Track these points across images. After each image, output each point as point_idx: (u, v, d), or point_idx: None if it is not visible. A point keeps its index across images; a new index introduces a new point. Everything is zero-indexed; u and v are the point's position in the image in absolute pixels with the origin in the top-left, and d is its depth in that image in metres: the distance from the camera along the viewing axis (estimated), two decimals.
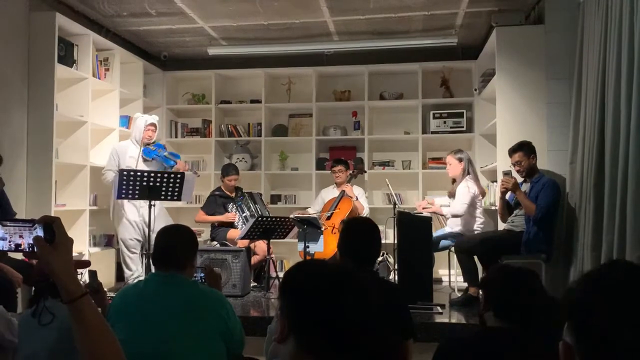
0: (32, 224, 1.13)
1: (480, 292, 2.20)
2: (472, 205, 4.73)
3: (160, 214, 4.98)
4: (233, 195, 5.51)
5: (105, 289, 2.44)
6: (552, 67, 4.65)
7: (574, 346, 0.84)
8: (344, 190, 5.44)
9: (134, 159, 4.95)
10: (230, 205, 5.38)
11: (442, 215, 4.93)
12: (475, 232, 4.73)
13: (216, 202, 5.43)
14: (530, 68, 4.73)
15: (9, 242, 1.17)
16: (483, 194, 4.97)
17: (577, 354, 0.83)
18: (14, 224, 1.17)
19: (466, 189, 4.69)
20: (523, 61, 4.76)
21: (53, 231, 1.09)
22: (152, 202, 4.47)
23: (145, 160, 4.97)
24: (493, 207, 4.92)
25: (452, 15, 5.20)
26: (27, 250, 1.16)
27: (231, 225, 5.35)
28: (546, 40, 4.66)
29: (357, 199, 5.45)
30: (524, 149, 4.22)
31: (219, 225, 5.39)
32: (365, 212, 5.52)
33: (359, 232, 2.38)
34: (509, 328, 1.75)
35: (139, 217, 4.92)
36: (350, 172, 5.64)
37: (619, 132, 3.40)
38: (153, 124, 5.06)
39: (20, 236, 1.16)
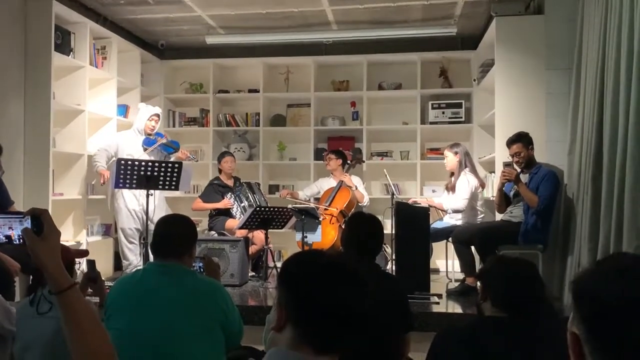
0: (22, 216, 1.14)
1: (478, 282, 2.22)
2: (473, 198, 4.74)
3: (160, 204, 5.00)
4: (231, 184, 5.52)
5: (104, 279, 2.45)
6: (551, 58, 4.63)
7: (581, 336, 0.84)
8: (342, 181, 5.44)
9: (134, 149, 4.99)
10: (228, 195, 5.39)
11: (443, 210, 4.93)
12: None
13: (215, 191, 5.44)
14: (530, 58, 4.72)
15: None
16: (482, 185, 4.98)
17: (586, 344, 0.83)
18: (4, 216, 1.18)
19: (466, 183, 4.70)
20: (522, 51, 4.75)
21: (41, 223, 1.09)
22: (150, 192, 4.47)
23: (145, 150, 5.00)
24: (491, 198, 4.92)
25: (452, 4, 5.18)
26: (16, 241, 1.16)
27: (229, 214, 5.36)
28: (546, 31, 4.64)
29: (356, 189, 5.46)
30: (523, 139, 4.21)
31: (217, 214, 5.40)
32: (365, 200, 5.54)
33: (363, 225, 2.44)
34: (506, 317, 1.76)
35: (139, 207, 4.93)
36: (348, 162, 5.64)
37: (617, 124, 3.40)
38: (157, 114, 5.14)
39: (10, 227, 1.17)
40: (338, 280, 1.10)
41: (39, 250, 1.07)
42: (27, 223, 1.11)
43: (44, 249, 1.08)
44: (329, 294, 1.08)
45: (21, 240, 1.14)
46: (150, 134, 5.08)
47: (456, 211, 4.75)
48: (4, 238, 1.18)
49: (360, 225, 2.45)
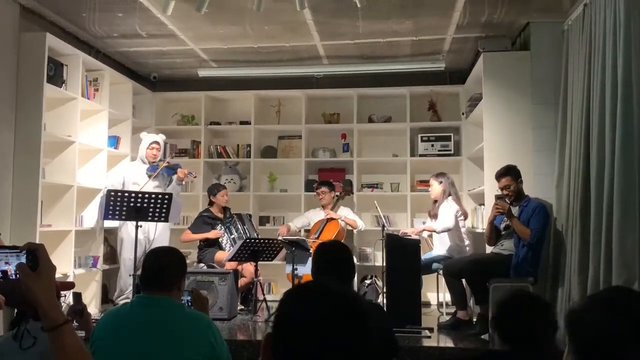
0: (19, 250, 1.12)
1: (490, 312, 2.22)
2: (457, 225, 4.79)
3: (163, 233, 5.14)
4: (222, 216, 5.49)
5: (90, 312, 2.40)
6: (537, 92, 4.72)
7: None
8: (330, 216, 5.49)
9: (140, 176, 5.15)
10: (218, 227, 5.36)
11: (433, 231, 4.95)
12: (463, 254, 4.74)
13: (204, 223, 5.40)
14: (517, 93, 4.81)
15: None
16: (465, 214, 5.01)
17: None
18: (0, 251, 1.15)
19: (448, 207, 4.82)
20: (509, 86, 4.84)
21: (37, 258, 1.08)
22: (139, 223, 4.47)
23: (150, 176, 5.13)
24: (481, 229, 4.94)
25: (440, 40, 5.29)
26: (12, 277, 1.14)
27: (219, 246, 5.32)
28: (532, 66, 4.75)
29: (344, 218, 5.48)
30: (511, 173, 4.25)
31: (206, 246, 5.35)
32: (360, 225, 5.57)
33: (328, 255, 2.39)
34: (513, 352, 1.75)
35: (142, 236, 4.97)
36: (337, 194, 5.66)
37: (604, 157, 3.45)
38: (156, 142, 5.30)
39: (6, 262, 1.14)
40: (341, 318, 1.03)
41: (33, 285, 1.05)
42: (24, 258, 1.09)
43: (39, 284, 1.06)
44: (326, 331, 1.02)
45: (17, 276, 1.11)
46: (153, 162, 5.24)
47: (445, 229, 4.78)
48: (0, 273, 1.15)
49: (323, 254, 2.40)
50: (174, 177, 5.26)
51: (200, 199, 6.24)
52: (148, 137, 5.32)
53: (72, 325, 1.08)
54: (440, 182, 4.95)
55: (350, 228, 5.63)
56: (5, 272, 1.15)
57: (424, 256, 4.82)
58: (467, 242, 4.92)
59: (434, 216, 4.95)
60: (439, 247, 4.91)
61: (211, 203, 5.54)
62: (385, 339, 2.22)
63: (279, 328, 1.00)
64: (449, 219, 4.75)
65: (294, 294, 1.05)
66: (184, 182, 5.41)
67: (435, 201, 5.00)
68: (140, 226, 4.55)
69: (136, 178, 5.13)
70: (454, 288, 4.37)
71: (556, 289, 4.21)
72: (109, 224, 5.33)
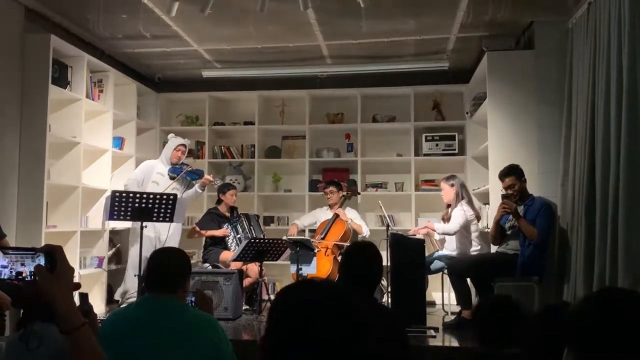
0: (34, 252, 1.12)
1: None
2: (466, 228, 4.72)
3: (174, 233, 5.12)
4: (229, 215, 5.52)
5: (95, 312, 2.41)
6: (542, 91, 4.71)
7: None
8: (337, 214, 5.46)
9: (160, 175, 5.21)
10: (225, 225, 5.38)
11: (433, 230, 4.89)
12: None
13: (212, 220, 5.44)
14: (521, 92, 4.79)
15: (10, 269, 1.16)
16: (478, 218, 4.95)
17: None
18: (16, 252, 1.16)
19: (461, 212, 4.68)
20: (514, 85, 4.83)
21: (55, 260, 1.08)
22: (144, 224, 4.48)
23: (172, 178, 5.19)
24: (486, 230, 4.92)
25: (444, 40, 5.28)
26: (28, 278, 1.14)
27: (224, 246, 5.33)
28: (536, 65, 4.74)
29: (351, 221, 5.46)
30: (515, 172, 4.24)
31: (212, 245, 5.37)
32: (364, 231, 5.53)
33: (360, 257, 2.37)
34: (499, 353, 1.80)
35: (153, 234, 5.02)
36: (344, 193, 5.65)
37: (609, 155, 3.44)
38: (183, 145, 5.39)
39: (22, 264, 1.15)
40: (335, 320, 0.98)
41: (50, 287, 1.05)
42: (40, 260, 1.09)
43: (56, 286, 1.05)
44: (324, 334, 0.98)
45: (33, 277, 1.11)
46: (176, 164, 5.30)
47: (445, 233, 4.72)
48: (15, 274, 1.16)
49: (355, 255, 2.38)
50: (197, 182, 5.32)
51: (205, 199, 6.24)
52: (176, 140, 5.40)
53: (89, 328, 1.07)
54: (452, 185, 4.80)
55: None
56: (20, 274, 1.16)
57: (430, 256, 4.81)
58: (477, 247, 4.79)
59: (447, 220, 4.81)
60: (447, 247, 4.86)
61: (219, 201, 5.57)
62: (399, 348, 2.21)
63: (268, 329, 1.01)
64: (453, 225, 4.64)
65: (282, 294, 1.06)
66: (205, 188, 5.47)
67: (449, 205, 4.86)
68: (146, 226, 4.56)
69: (156, 177, 5.20)
70: (459, 288, 4.36)
71: (562, 288, 4.19)
72: (120, 225, 5.36)
